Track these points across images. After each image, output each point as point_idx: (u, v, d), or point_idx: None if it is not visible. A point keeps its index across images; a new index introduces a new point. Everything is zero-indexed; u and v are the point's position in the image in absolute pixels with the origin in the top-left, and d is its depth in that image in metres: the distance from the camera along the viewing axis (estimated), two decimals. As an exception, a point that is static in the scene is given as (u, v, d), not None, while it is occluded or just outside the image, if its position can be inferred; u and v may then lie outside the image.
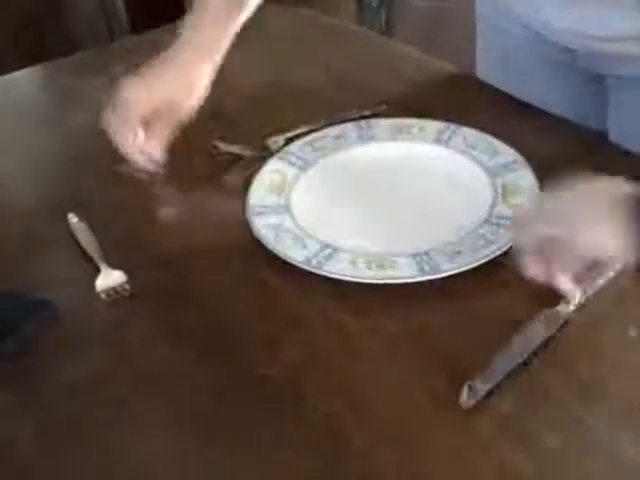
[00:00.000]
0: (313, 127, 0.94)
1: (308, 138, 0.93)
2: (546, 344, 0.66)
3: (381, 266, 0.74)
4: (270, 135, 0.94)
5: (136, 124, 0.87)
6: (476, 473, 0.59)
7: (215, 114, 1.00)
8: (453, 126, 0.91)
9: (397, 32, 2.40)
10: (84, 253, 0.82)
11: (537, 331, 0.67)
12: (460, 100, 1.01)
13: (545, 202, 0.70)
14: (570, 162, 0.86)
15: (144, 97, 0.88)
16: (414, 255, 0.75)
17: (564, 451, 0.59)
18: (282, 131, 0.94)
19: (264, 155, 0.91)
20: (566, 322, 0.68)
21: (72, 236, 0.84)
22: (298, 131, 0.94)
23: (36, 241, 0.85)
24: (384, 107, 0.98)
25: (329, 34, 1.22)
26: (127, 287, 0.77)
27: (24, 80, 1.24)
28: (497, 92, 1.02)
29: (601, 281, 0.70)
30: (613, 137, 0.98)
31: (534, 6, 0.91)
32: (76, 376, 0.69)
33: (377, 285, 0.73)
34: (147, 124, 0.88)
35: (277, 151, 0.92)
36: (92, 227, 0.85)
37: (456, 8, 2.13)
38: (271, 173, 0.88)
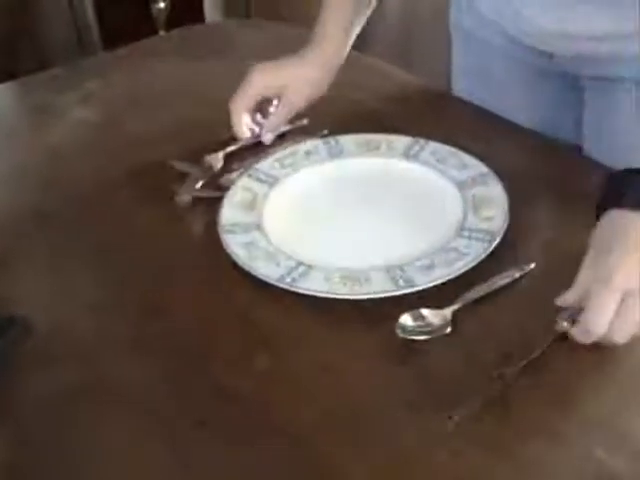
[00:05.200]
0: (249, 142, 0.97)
1: (277, 155, 0.93)
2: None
3: (356, 281, 0.75)
4: (210, 151, 0.95)
5: (252, 100, 0.96)
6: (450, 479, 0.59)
7: (179, 125, 1.02)
8: (422, 141, 0.92)
9: (369, 46, 2.41)
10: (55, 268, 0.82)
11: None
12: (432, 115, 1.02)
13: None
14: (540, 175, 0.89)
15: (265, 80, 0.97)
16: (388, 270, 0.76)
17: (538, 459, 0.60)
18: (221, 146, 0.96)
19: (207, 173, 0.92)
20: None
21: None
22: (234, 147, 0.96)
23: (7, 256, 0.85)
24: (305, 122, 1.00)
25: (299, 47, 1.23)
26: None
27: (-4, 96, 1.23)
28: (468, 106, 1.04)
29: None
30: (587, 146, 0.99)
31: (513, 8, 0.92)
32: (48, 390, 0.69)
33: (352, 300, 0.73)
34: (264, 105, 0.97)
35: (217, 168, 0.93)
36: (62, 243, 0.85)
37: (429, 23, 2.14)
38: (241, 191, 0.88)
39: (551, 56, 0.95)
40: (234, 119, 0.96)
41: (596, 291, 0.64)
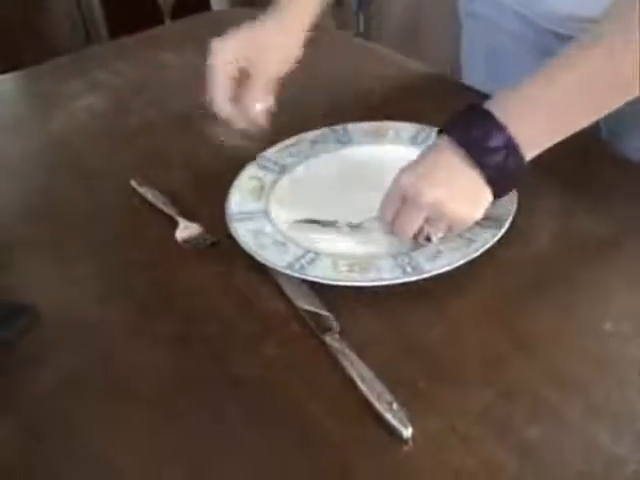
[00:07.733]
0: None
1: (284, 143, 0.93)
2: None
3: (363, 269, 0.75)
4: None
5: (227, 74, 0.87)
6: (457, 465, 0.59)
7: (185, 113, 1.03)
8: (428, 128, 0.92)
9: (376, 35, 2.41)
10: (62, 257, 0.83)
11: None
12: (437, 102, 1.02)
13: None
14: (549, 161, 0.88)
15: (234, 45, 0.87)
16: (395, 257, 0.76)
17: (542, 442, 0.60)
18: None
19: None
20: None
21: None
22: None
23: (14, 245, 0.86)
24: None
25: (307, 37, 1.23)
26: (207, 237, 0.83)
27: (3, 86, 1.24)
28: (474, 93, 1.03)
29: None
30: (606, 127, 0.98)
31: None
32: (57, 380, 0.69)
33: (359, 287, 0.73)
34: (242, 79, 0.87)
35: None
36: (70, 231, 0.86)
37: (435, 11, 2.14)
38: (249, 179, 0.88)
39: (567, 39, 0.94)
40: (215, 92, 0.87)
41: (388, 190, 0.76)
